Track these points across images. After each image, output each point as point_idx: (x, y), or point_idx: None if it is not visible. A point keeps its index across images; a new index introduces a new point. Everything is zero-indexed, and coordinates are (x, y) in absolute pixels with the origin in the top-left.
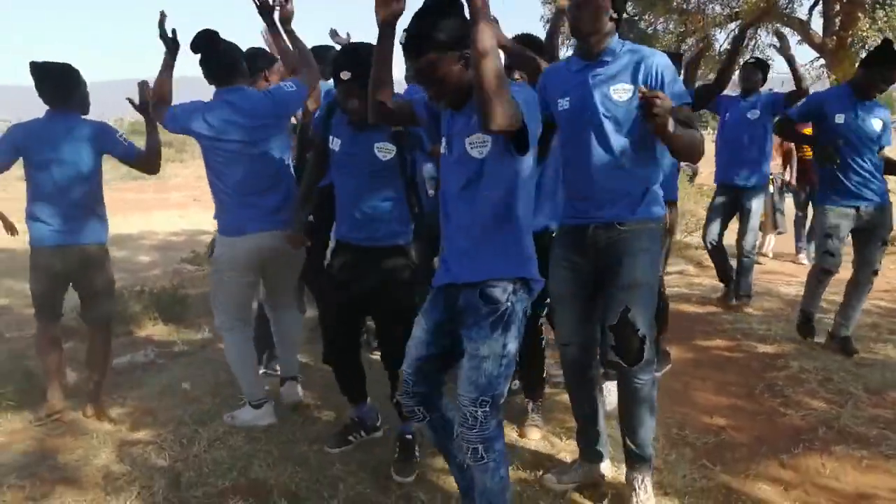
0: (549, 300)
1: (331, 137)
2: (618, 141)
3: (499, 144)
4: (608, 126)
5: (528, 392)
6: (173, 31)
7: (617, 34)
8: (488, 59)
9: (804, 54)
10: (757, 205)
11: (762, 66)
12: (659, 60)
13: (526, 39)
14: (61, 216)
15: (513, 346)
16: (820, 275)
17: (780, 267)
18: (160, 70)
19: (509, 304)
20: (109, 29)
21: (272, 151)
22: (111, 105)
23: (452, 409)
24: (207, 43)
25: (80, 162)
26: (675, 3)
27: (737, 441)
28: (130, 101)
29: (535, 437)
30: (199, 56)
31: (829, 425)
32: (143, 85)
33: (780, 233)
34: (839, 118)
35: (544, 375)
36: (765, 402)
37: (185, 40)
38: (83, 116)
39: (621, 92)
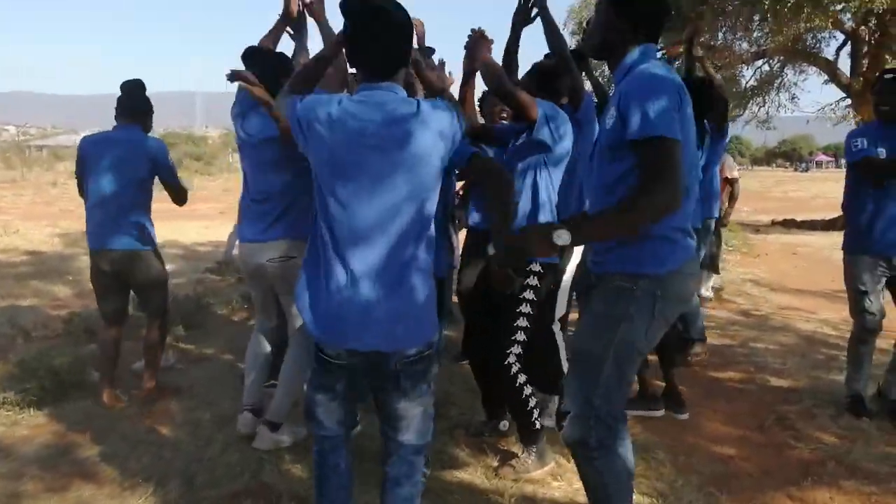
0: None
1: None
2: (607, 171)
3: None
4: (601, 154)
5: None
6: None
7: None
8: None
9: (830, 94)
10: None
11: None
12: (624, 87)
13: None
14: (112, 223)
15: None
16: (861, 335)
17: (799, 302)
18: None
19: None
20: (148, 41)
21: None
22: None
23: None
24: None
25: (133, 173)
26: (702, 39)
27: (744, 471)
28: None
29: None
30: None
31: (839, 460)
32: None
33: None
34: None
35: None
36: (775, 435)
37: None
38: (144, 132)
39: (608, 118)
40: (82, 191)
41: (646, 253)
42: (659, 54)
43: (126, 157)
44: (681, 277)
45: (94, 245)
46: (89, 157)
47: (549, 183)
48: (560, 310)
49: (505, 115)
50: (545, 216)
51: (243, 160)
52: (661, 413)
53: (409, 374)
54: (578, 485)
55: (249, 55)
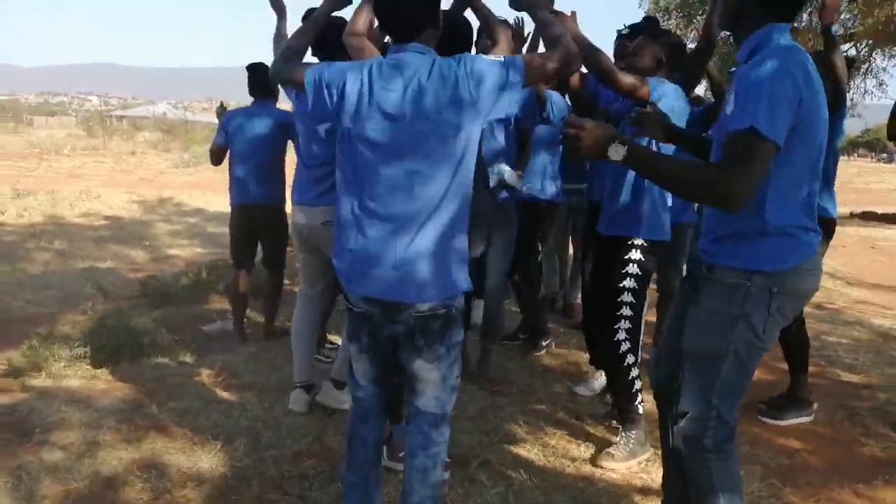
0: None
1: None
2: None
3: None
4: (719, 139)
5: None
6: None
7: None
8: None
9: None
10: None
11: None
12: (744, 71)
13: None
14: (247, 182)
15: None
16: None
17: (876, 297)
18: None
19: None
20: (214, 18)
21: None
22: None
23: None
24: None
25: (268, 140)
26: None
27: (810, 465)
28: None
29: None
30: None
31: None
32: None
33: None
34: None
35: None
36: (844, 431)
37: None
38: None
39: (728, 103)
40: (219, 158)
41: (763, 249)
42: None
43: (261, 129)
44: (799, 274)
45: (236, 202)
46: (231, 129)
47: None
48: None
49: None
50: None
51: (297, 126)
52: (811, 417)
53: (423, 331)
54: (637, 468)
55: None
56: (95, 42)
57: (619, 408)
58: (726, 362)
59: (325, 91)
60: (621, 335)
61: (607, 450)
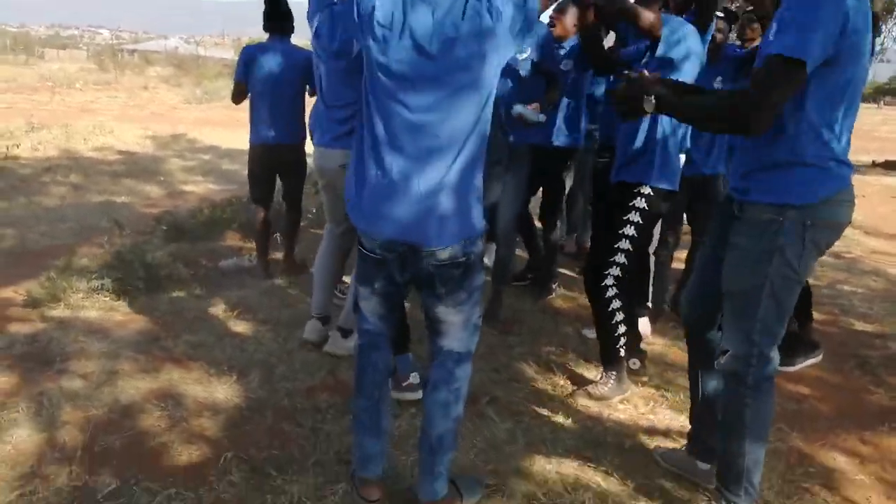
0: None
1: None
2: None
3: None
4: None
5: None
6: None
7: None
8: None
9: None
10: None
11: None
12: (786, 3)
13: None
14: (268, 121)
15: None
16: None
17: (892, 247)
18: None
19: None
20: None
21: None
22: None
23: None
24: None
25: (288, 79)
26: None
27: (818, 411)
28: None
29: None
30: None
31: None
32: None
33: None
34: None
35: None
36: (854, 379)
37: None
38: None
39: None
40: (240, 95)
41: (794, 181)
42: None
43: (282, 68)
44: (833, 206)
45: (258, 140)
46: (250, 66)
47: None
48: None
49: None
50: (674, 136)
51: (318, 66)
52: (819, 358)
53: (444, 278)
54: (645, 409)
55: None
56: None
57: (600, 347)
58: (763, 298)
59: (357, 10)
60: (609, 280)
61: (585, 387)
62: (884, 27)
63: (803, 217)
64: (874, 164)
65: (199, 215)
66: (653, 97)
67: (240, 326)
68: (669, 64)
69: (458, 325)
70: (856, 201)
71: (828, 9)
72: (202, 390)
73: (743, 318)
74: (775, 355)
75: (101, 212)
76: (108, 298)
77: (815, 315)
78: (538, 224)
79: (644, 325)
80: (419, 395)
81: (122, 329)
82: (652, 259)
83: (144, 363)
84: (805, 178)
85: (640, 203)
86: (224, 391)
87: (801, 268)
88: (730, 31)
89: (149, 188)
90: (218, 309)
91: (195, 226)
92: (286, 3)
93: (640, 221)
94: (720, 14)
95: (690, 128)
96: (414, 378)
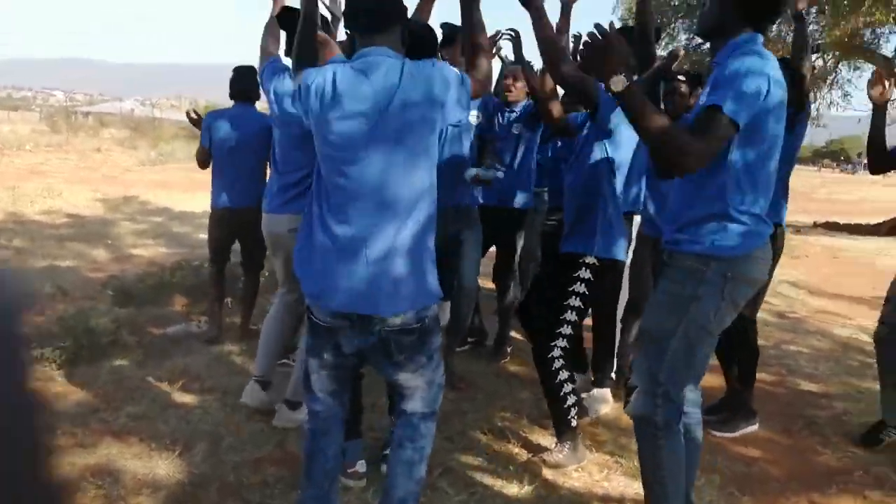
0: None
1: None
2: None
3: None
4: None
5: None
6: None
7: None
8: None
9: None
10: None
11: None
12: (718, 72)
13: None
14: (231, 185)
15: None
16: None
17: (837, 307)
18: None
19: None
20: (185, 13)
21: None
22: (190, 87)
23: None
24: None
25: (248, 145)
26: None
27: (768, 474)
28: None
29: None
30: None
31: (867, 470)
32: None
33: None
34: None
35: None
36: (802, 440)
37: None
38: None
39: (703, 95)
40: (206, 161)
41: (721, 235)
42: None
43: (244, 133)
44: (751, 262)
45: (219, 204)
46: (212, 131)
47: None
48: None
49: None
50: (615, 201)
51: (274, 131)
52: (757, 425)
53: (400, 346)
54: (599, 476)
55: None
56: (61, 35)
57: (552, 417)
58: (675, 342)
59: (301, 94)
60: (556, 352)
61: (540, 455)
62: (818, 94)
63: (724, 269)
64: (815, 225)
65: (147, 279)
66: (624, 81)
67: (185, 396)
68: (608, 135)
69: (422, 388)
70: (801, 261)
71: (758, 77)
72: (142, 466)
73: (653, 357)
74: (679, 401)
75: (44, 277)
76: (47, 368)
77: (763, 376)
78: (492, 285)
79: (604, 397)
80: (363, 483)
81: (60, 401)
82: (619, 328)
83: (82, 437)
84: (730, 232)
85: (585, 274)
86: (166, 466)
87: (715, 318)
88: (690, 95)
89: (96, 252)
90: (163, 377)
91: (142, 290)
92: (252, 72)
93: (586, 292)
94: (681, 77)
95: (645, 188)
96: (360, 466)
